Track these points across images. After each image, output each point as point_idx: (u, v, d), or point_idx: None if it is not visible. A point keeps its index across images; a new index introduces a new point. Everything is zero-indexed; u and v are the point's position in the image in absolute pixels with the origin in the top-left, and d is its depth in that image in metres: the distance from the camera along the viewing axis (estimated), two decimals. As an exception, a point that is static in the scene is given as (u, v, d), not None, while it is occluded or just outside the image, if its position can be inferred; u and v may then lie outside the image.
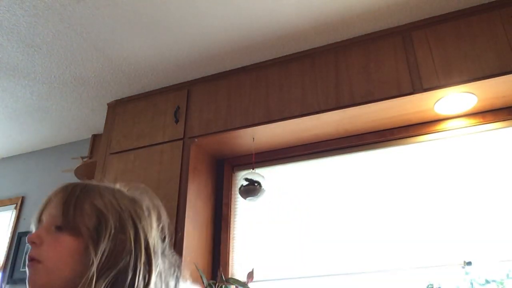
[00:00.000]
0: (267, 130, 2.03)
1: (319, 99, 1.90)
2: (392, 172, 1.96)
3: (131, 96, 2.43)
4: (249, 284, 1.88)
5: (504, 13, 1.72)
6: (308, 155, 2.16)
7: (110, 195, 0.80)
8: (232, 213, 2.19)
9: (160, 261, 0.79)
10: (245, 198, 1.99)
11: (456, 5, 1.81)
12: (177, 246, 1.85)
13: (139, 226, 0.77)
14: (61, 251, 0.72)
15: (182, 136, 2.11)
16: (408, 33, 1.87)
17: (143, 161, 2.14)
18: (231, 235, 2.14)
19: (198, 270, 1.86)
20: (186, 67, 2.20)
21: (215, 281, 1.87)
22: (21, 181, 2.99)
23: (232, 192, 2.24)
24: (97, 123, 2.70)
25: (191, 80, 2.29)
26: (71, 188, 0.78)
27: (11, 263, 2.65)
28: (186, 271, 1.83)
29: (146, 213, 0.81)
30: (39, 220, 0.78)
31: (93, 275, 0.69)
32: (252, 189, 1.96)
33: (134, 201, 0.82)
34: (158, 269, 0.78)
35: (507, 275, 1.64)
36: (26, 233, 2.60)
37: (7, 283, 2.61)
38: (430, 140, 1.95)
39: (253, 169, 2.06)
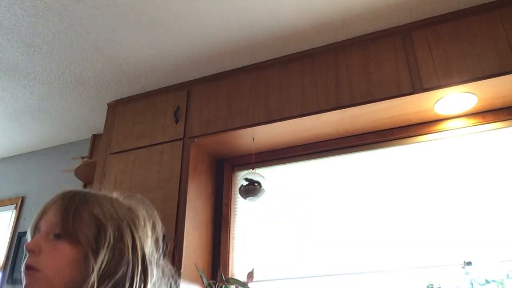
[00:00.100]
0: (267, 130, 2.03)
1: (319, 99, 1.90)
2: (392, 172, 1.96)
3: (131, 96, 2.43)
4: (249, 284, 1.88)
5: (504, 13, 1.72)
6: (308, 155, 2.16)
7: (109, 204, 0.80)
8: (232, 213, 2.19)
9: (155, 271, 0.79)
10: (245, 198, 1.99)
11: (456, 5, 1.81)
12: (177, 246, 1.85)
13: (136, 236, 0.78)
14: (60, 259, 0.72)
15: (182, 136, 2.11)
16: (408, 33, 1.87)
17: (143, 161, 2.14)
18: (231, 235, 2.14)
19: (198, 270, 1.86)
20: (186, 67, 2.20)
21: (215, 281, 1.87)
22: (21, 181, 2.99)
23: (232, 192, 2.24)
24: (97, 123, 2.70)
25: (191, 80, 2.29)
26: (70, 196, 0.78)
27: (11, 263, 2.65)
28: (186, 271, 1.83)
29: (142, 223, 0.82)
30: (36, 227, 0.77)
31: (93, 284, 0.69)
32: (252, 189, 1.96)
33: (131, 211, 0.82)
34: (153, 280, 0.78)
35: (507, 275, 1.65)
36: (26, 233, 2.60)
37: (7, 283, 2.61)
38: (430, 140, 1.95)
39: (253, 169, 2.06)
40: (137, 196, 0.88)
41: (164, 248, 0.86)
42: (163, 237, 0.87)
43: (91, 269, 0.71)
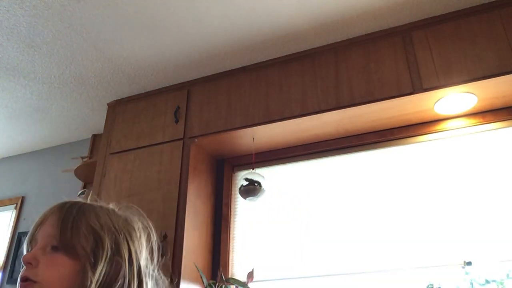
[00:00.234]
0: (267, 130, 2.03)
1: (319, 99, 1.90)
2: (392, 172, 1.96)
3: (131, 96, 2.43)
4: (249, 284, 1.88)
5: (504, 13, 1.72)
6: (308, 155, 2.16)
7: (105, 215, 0.80)
8: (232, 213, 2.19)
9: (149, 283, 0.80)
10: (245, 198, 1.99)
11: (456, 5, 1.81)
12: (177, 246, 1.85)
13: (133, 249, 0.79)
14: (58, 272, 0.72)
15: (182, 136, 2.11)
16: (408, 33, 1.87)
17: (143, 161, 2.14)
18: (231, 235, 2.14)
19: (198, 270, 1.86)
20: (186, 67, 2.20)
21: (215, 281, 1.87)
22: (21, 181, 2.99)
23: (232, 192, 2.24)
24: (97, 123, 2.70)
25: (191, 80, 2.29)
26: (67, 208, 0.78)
27: (11, 263, 2.65)
28: (186, 271, 1.83)
29: (138, 235, 0.82)
30: (33, 239, 0.77)
31: None
32: (252, 189, 1.96)
33: (127, 222, 0.83)
34: None
35: (507, 275, 1.65)
36: (26, 233, 2.60)
37: (7, 283, 2.61)
38: (430, 140, 1.95)
39: (253, 169, 2.06)
40: (132, 206, 0.89)
41: (159, 259, 0.86)
42: (158, 247, 0.87)
43: (88, 281, 0.71)
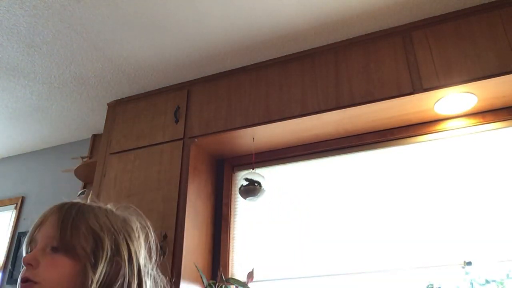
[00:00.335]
0: (267, 130, 2.03)
1: (319, 99, 1.90)
2: (392, 172, 1.96)
3: (131, 96, 2.43)
4: (249, 284, 1.88)
5: (504, 13, 1.72)
6: (308, 155, 2.16)
7: (104, 216, 0.81)
8: (232, 213, 2.19)
9: (148, 282, 0.81)
10: (245, 198, 1.99)
11: (456, 5, 1.81)
12: (177, 246, 1.85)
13: (132, 249, 0.79)
14: (58, 272, 0.72)
15: (182, 136, 2.11)
16: (408, 33, 1.87)
17: (143, 161, 2.14)
18: (231, 235, 2.14)
19: (198, 270, 1.86)
20: (186, 67, 2.20)
21: (215, 281, 1.87)
22: (21, 181, 2.99)
23: (232, 192, 2.24)
24: (97, 123, 2.70)
25: (191, 80, 2.29)
26: (66, 209, 0.79)
27: (11, 263, 2.65)
28: (186, 271, 1.83)
29: (136, 235, 0.83)
30: (32, 240, 0.77)
31: None
32: (252, 189, 1.96)
33: (125, 222, 0.84)
34: None
35: (507, 275, 1.65)
36: (26, 233, 2.60)
37: (7, 283, 2.61)
38: (430, 140, 1.95)
39: (253, 169, 2.06)
40: (130, 206, 0.90)
41: (157, 258, 0.87)
42: (156, 246, 0.88)
43: (89, 282, 0.72)
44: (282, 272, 1.96)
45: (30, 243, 0.78)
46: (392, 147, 2.01)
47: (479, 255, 1.67)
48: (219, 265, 2.03)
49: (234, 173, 2.30)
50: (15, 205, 2.87)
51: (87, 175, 2.51)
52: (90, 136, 2.83)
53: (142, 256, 0.82)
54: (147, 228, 0.88)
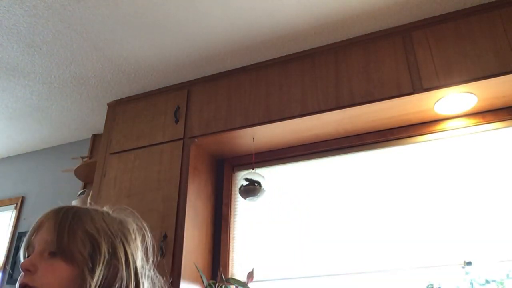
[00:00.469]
0: (267, 130, 2.03)
1: (319, 99, 1.90)
2: (392, 172, 1.96)
3: (131, 96, 2.43)
4: (249, 284, 1.88)
5: (504, 13, 1.72)
6: (308, 155, 2.16)
7: (101, 219, 0.81)
8: (232, 213, 2.19)
9: (146, 283, 0.81)
10: (245, 198, 1.99)
11: (456, 5, 1.81)
12: (177, 246, 1.85)
13: (129, 251, 0.80)
14: (57, 277, 0.72)
15: (182, 136, 2.11)
16: (408, 33, 1.87)
17: (143, 161, 2.14)
18: (231, 235, 2.14)
19: (198, 270, 1.86)
20: (186, 67, 2.20)
21: (215, 281, 1.87)
22: (21, 181, 2.99)
23: (232, 192, 2.24)
24: (97, 123, 2.70)
25: (191, 80, 2.29)
26: (62, 213, 0.79)
27: (11, 263, 2.65)
28: (186, 271, 1.83)
29: (133, 236, 0.84)
30: (30, 245, 0.78)
31: None
32: (252, 189, 1.96)
33: (122, 224, 0.84)
34: None
35: (507, 275, 1.65)
36: (26, 233, 2.60)
37: (7, 283, 2.61)
38: (430, 140, 1.95)
39: (253, 169, 2.06)
40: (126, 208, 0.90)
41: (154, 259, 0.88)
42: (153, 247, 0.88)
43: (87, 286, 0.72)
44: (282, 272, 1.96)
45: (27, 248, 0.78)
46: (392, 147, 2.01)
47: (479, 255, 1.67)
48: (219, 265, 2.03)
49: (234, 173, 2.30)
50: (15, 205, 2.87)
51: (87, 175, 2.51)
52: (90, 136, 2.83)
53: (139, 257, 0.82)
54: (143, 229, 0.88)
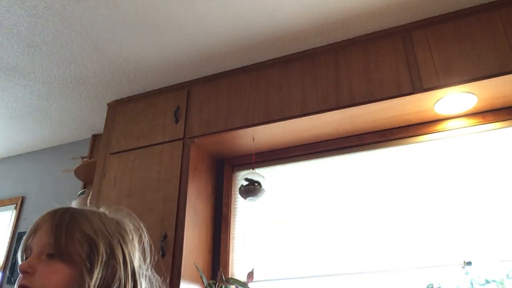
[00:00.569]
0: (267, 130, 2.03)
1: (319, 99, 1.90)
2: (392, 172, 1.96)
3: (131, 96, 2.43)
4: (249, 284, 1.88)
5: (504, 13, 1.72)
6: (308, 155, 2.16)
7: (98, 220, 0.81)
8: (232, 213, 2.19)
9: (143, 283, 0.82)
10: (245, 198, 1.99)
11: (456, 5, 1.81)
12: (177, 246, 1.85)
13: (126, 251, 0.80)
14: (55, 279, 0.73)
15: (182, 136, 2.11)
16: (408, 33, 1.87)
17: (143, 161, 2.14)
18: (231, 235, 2.14)
19: (198, 270, 1.86)
20: (186, 67, 2.20)
21: (215, 281, 1.87)
22: (21, 181, 2.99)
23: (232, 192, 2.24)
24: (97, 123, 2.70)
25: (191, 80, 2.29)
26: (59, 215, 0.79)
27: (11, 263, 2.65)
28: (186, 271, 1.83)
29: (130, 237, 0.84)
30: (27, 247, 0.78)
31: None
32: (252, 189, 1.96)
33: (119, 225, 0.84)
34: None
35: (507, 275, 1.65)
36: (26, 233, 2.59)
37: (7, 283, 2.61)
38: (430, 140, 1.95)
39: (253, 169, 2.06)
40: (122, 208, 0.90)
41: (152, 258, 0.88)
42: (150, 247, 0.89)
43: (86, 286, 0.73)
44: (282, 272, 1.96)
45: (25, 251, 0.78)
46: (392, 147, 2.01)
47: (479, 255, 1.67)
48: (219, 265, 2.03)
49: (234, 173, 2.30)
50: (15, 205, 2.87)
51: (87, 175, 2.51)
52: (90, 136, 2.83)
53: (136, 257, 0.83)
54: (140, 229, 0.89)
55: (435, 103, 1.80)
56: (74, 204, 2.32)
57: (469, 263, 1.66)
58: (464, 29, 1.77)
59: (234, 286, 1.93)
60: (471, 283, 1.66)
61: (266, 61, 2.13)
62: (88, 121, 2.70)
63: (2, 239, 2.80)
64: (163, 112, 2.23)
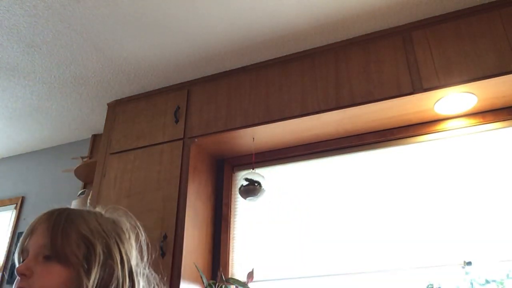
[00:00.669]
0: (267, 130, 2.03)
1: (319, 99, 1.90)
2: (392, 172, 1.96)
3: (131, 96, 2.43)
4: (249, 284, 1.88)
5: (504, 13, 1.72)
6: (308, 155, 2.16)
7: (94, 220, 0.81)
8: (232, 213, 2.19)
9: (141, 281, 0.82)
10: (245, 198, 1.99)
11: (456, 5, 1.81)
12: (177, 246, 1.85)
13: (123, 251, 0.80)
14: (53, 280, 0.73)
15: (182, 136, 2.11)
16: (408, 33, 1.87)
17: (143, 161, 2.14)
18: (231, 235, 2.14)
19: (198, 270, 1.86)
20: (186, 67, 2.20)
21: (215, 281, 1.87)
22: (21, 181, 2.99)
23: (232, 192, 2.24)
24: (97, 123, 2.70)
25: (191, 80, 2.29)
26: (55, 216, 0.79)
27: (11, 263, 2.65)
28: (186, 271, 1.83)
29: (127, 236, 0.84)
30: (24, 249, 0.78)
31: None
32: (252, 189, 1.96)
33: (115, 224, 0.84)
34: None
35: (507, 275, 1.65)
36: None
37: (7, 283, 2.61)
38: (430, 140, 1.95)
39: (253, 169, 2.06)
40: (119, 208, 0.90)
41: (149, 257, 0.88)
42: (147, 245, 0.89)
43: (84, 287, 0.73)
44: (282, 272, 1.96)
45: (21, 252, 0.78)
46: (392, 147, 2.01)
47: (479, 255, 1.67)
48: (219, 265, 2.03)
49: (234, 173, 2.30)
50: (15, 205, 2.87)
51: (87, 175, 2.51)
52: (90, 136, 2.83)
53: (133, 256, 0.83)
54: (137, 227, 0.89)
55: (435, 103, 1.80)
56: (74, 204, 2.32)
57: (469, 263, 1.66)
58: (464, 29, 1.77)
59: (234, 286, 1.93)
60: (471, 283, 1.66)
61: (266, 61, 2.13)
62: (88, 121, 2.70)
63: (2, 239, 2.80)
64: (163, 112, 2.23)
